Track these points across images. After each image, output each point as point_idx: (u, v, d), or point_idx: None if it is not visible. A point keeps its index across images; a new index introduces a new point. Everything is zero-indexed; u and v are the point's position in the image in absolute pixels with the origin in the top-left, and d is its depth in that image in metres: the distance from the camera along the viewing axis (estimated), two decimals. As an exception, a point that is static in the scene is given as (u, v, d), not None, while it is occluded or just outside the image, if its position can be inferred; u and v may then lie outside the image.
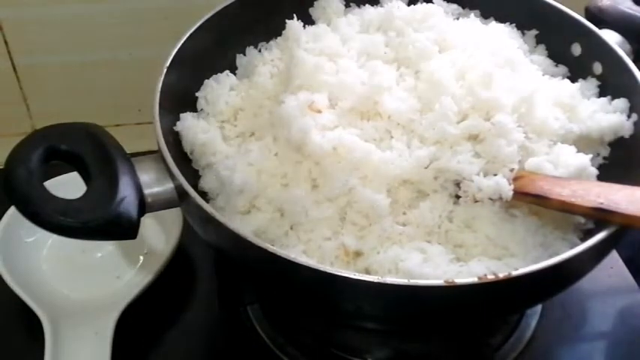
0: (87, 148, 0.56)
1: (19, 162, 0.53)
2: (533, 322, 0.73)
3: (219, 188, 0.62)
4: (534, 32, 0.74)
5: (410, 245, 0.57)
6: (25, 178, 0.53)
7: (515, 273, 0.50)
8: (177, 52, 0.65)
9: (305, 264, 0.50)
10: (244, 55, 0.74)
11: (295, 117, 0.60)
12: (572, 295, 0.74)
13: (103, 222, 0.53)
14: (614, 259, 0.78)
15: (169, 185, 0.57)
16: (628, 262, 0.77)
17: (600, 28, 0.69)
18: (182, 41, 0.66)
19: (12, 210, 0.77)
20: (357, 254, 0.58)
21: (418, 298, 0.51)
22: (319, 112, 0.61)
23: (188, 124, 0.65)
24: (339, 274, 0.50)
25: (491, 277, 0.49)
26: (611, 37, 0.69)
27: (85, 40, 0.86)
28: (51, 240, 0.78)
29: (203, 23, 0.69)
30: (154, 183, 0.56)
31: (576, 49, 0.71)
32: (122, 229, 0.54)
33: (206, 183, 0.63)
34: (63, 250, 0.78)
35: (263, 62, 0.71)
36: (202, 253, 0.78)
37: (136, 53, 0.87)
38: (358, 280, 0.49)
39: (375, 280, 0.50)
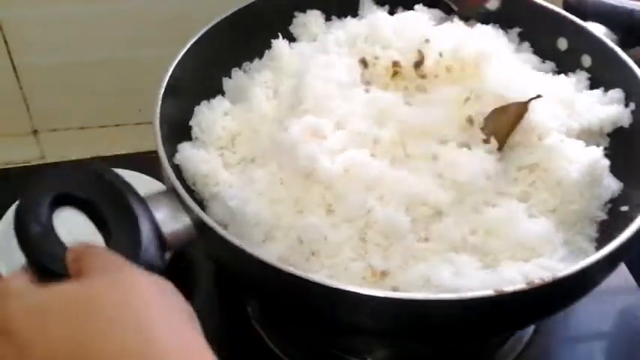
0: (99, 193, 0.52)
1: (30, 216, 0.49)
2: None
3: (229, 219, 0.60)
4: (517, 30, 0.73)
5: (436, 259, 0.56)
6: (41, 234, 0.49)
7: (561, 274, 0.49)
8: (168, 80, 0.63)
9: (361, 292, 0.49)
10: (230, 77, 0.71)
11: (300, 145, 0.58)
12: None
13: None
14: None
15: (185, 220, 0.54)
16: (628, 263, 0.77)
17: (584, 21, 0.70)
18: (171, 69, 0.64)
19: (12, 210, 0.76)
20: (384, 274, 0.56)
21: (467, 310, 0.50)
22: (324, 137, 0.60)
23: (187, 154, 0.63)
24: (400, 297, 0.50)
25: (538, 281, 0.48)
26: (596, 29, 0.69)
27: (86, 40, 0.86)
28: None
29: (188, 49, 0.66)
30: (169, 220, 0.54)
31: (562, 44, 0.71)
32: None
33: (214, 215, 0.60)
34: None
35: (254, 84, 0.69)
36: (202, 253, 0.78)
37: (136, 53, 0.87)
38: (413, 301, 0.49)
39: (430, 298, 0.49)
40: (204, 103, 0.68)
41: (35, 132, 0.92)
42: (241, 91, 0.69)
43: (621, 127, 0.65)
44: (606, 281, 0.74)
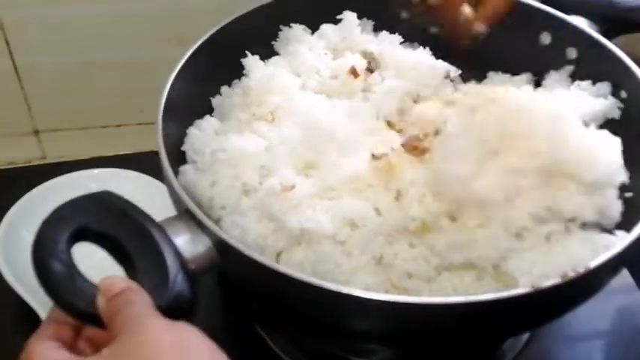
0: (116, 225, 0.49)
1: (50, 254, 0.47)
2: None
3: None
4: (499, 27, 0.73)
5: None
6: (65, 274, 0.47)
7: (594, 264, 0.50)
8: (165, 103, 0.61)
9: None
10: (219, 94, 0.70)
11: (281, 211, 0.57)
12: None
13: (162, 313, 0.46)
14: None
15: (205, 243, 0.52)
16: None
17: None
18: (166, 92, 0.62)
19: (14, 210, 0.77)
20: (405, 289, 0.56)
21: (507, 308, 0.50)
22: (292, 187, 0.58)
23: (190, 178, 0.62)
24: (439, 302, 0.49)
25: (572, 274, 0.49)
26: (579, 22, 0.69)
27: (87, 40, 0.86)
28: None
29: (179, 70, 0.64)
30: (189, 245, 0.51)
31: (546, 38, 0.71)
32: (183, 312, 0.48)
33: (229, 232, 0.58)
34: (64, 250, 0.77)
35: (232, 103, 0.68)
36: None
37: (138, 53, 0.87)
38: (459, 304, 0.48)
39: (471, 300, 0.48)
40: (195, 123, 0.66)
41: (36, 132, 0.92)
42: (225, 108, 0.69)
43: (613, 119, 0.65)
44: None
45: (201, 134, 0.65)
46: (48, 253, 0.47)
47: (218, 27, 0.68)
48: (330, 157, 0.60)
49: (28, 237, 0.74)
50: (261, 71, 0.68)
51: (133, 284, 0.46)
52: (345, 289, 0.48)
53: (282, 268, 0.50)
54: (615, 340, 0.74)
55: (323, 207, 0.57)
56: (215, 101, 0.69)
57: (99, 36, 0.86)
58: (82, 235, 0.49)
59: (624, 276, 0.77)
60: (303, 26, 0.73)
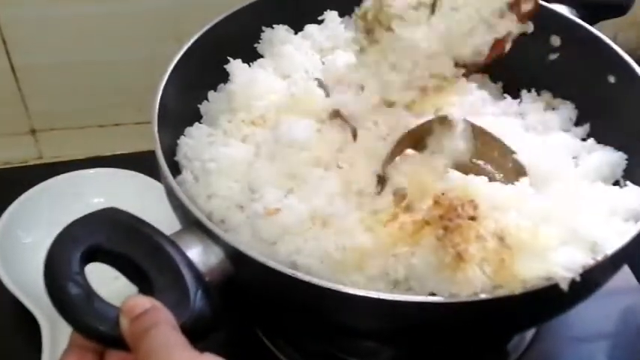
0: (129, 242, 0.48)
1: (65, 277, 0.45)
2: (535, 323, 0.72)
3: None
4: None
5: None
6: (83, 296, 0.45)
7: (610, 251, 0.50)
8: (158, 112, 0.61)
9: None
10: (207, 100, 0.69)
11: (269, 237, 0.55)
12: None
13: (185, 331, 0.45)
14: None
15: (218, 254, 0.51)
16: (631, 264, 0.76)
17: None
18: (158, 100, 0.61)
19: (10, 210, 0.77)
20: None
21: (503, 308, 0.50)
22: (277, 210, 0.56)
23: (188, 190, 0.60)
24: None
25: (592, 261, 0.49)
26: (561, 9, 0.70)
27: (84, 40, 0.85)
28: (49, 241, 0.75)
29: (168, 77, 0.63)
30: (202, 258, 0.50)
31: (529, 28, 0.70)
32: (206, 327, 0.47)
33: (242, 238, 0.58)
34: (61, 251, 0.77)
35: (217, 109, 0.67)
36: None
37: (135, 52, 0.87)
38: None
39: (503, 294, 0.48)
40: (186, 131, 0.65)
41: (33, 131, 0.92)
42: (213, 114, 0.68)
43: (606, 103, 0.66)
44: (609, 282, 0.75)
45: (192, 142, 0.64)
46: (62, 276, 0.45)
47: (204, 29, 0.68)
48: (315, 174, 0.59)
49: (25, 237, 0.77)
50: (245, 75, 0.67)
51: (157, 303, 0.45)
52: (368, 293, 0.48)
53: (300, 274, 0.49)
54: (619, 341, 0.73)
55: (312, 235, 0.55)
56: (202, 107, 0.68)
57: (96, 35, 0.85)
58: (93, 255, 0.47)
59: (628, 277, 0.77)
60: (286, 26, 0.72)
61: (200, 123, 0.67)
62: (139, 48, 0.87)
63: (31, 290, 0.71)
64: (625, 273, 0.77)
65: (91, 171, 0.83)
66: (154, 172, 0.64)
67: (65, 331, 0.66)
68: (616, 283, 0.74)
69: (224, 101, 0.67)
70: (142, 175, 0.81)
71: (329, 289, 0.48)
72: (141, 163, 0.79)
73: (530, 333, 0.72)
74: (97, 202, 0.81)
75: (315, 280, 0.48)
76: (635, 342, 0.73)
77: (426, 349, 0.63)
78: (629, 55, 0.65)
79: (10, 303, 0.71)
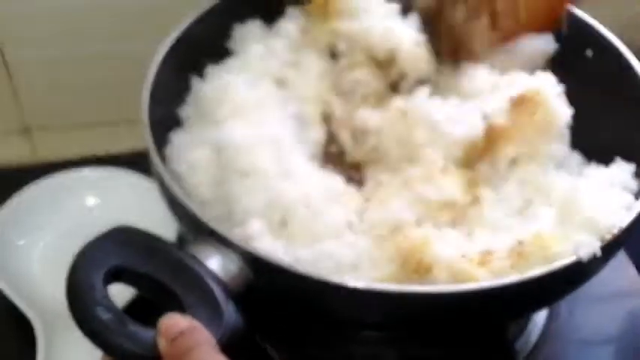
0: (149, 261, 0.47)
1: (93, 303, 0.44)
2: (539, 326, 0.72)
3: None
4: None
5: None
6: (116, 321, 0.44)
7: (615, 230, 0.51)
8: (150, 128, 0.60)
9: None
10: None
11: None
12: (580, 298, 0.74)
13: (221, 346, 0.44)
14: (623, 262, 0.77)
15: (237, 262, 0.50)
16: (638, 265, 0.77)
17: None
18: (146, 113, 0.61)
19: (3, 211, 0.77)
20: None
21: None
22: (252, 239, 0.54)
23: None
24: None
25: (609, 236, 0.51)
26: None
27: (78, 34, 0.85)
28: (43, 243, 0.78)
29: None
30: (222, 268, 0.49)
31: None
32: (241, 340, 0.46)
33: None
34: (56, 253, 0.76)
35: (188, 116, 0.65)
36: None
37: (132, 48, 0.86)
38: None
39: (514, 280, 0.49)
40: (172, 133, 0.63)
41: (27, 129, 0.92)
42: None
43: (585, 77, 0.66)
44: (614, 284, 0.75)
45: (175, 150, 0.62)
46: (89, 303, 0.44)
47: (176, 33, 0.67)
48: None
49: (18, 240, 0.76)
50: (215, 80, 0.65)
51: (196, 323, 0.44)
52: (387, 286, 0.49)
53: (326, 276, 0.49)
54: (625, 344, 0.73)
55: None
56: (182, 112, 0.66)
57: (92, 30, 0.84)
58: (113, 277, 0.46)
59: (634, 280, 0.77)
60: (258, 22, 0.70)
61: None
62: (136, 43, 0.85)
63: (26, 293, 0.71)
64: (631, 275, 0.77)
65: (86, 170, 0.83)
66: (149, 171, 0.63)
67: (60, 333, 0.68)
68: (622, 286, 0.76)
69: (191, 106, 0.66)
70: (137, 175, 0.81)
71: (356, 289, 0.48)
72: (136, 162, 0.79)
73: (535, 335, 0.71)
74: (92, 202, 0.81)
75: (345, 281, 0.48)
76: (640, 345, 0.73)
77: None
78: (636, 55, 0.65)
79: (4, 306, 0.70)
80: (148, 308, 0.46)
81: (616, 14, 0.74)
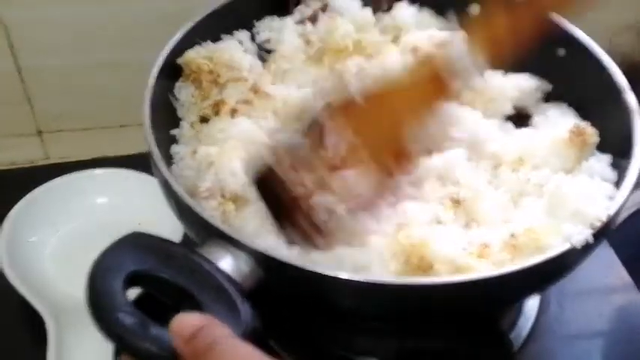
0: (164, 265, 0.47)
1: (115, 310, 0.44)
2: (530, 321, 0.73)
3: None
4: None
5: None
6: (139, 325, 0.43)
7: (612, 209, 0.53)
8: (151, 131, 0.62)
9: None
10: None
11: None
12: (569, 293, 0.75)
13: None
14: (611, 257, 0.78)
15: (248, 262, 0.50)
16: (625, 262, 0.78)
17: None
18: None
19: (16, 210, 0.77)
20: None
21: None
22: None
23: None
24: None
25: (598, 223, 0.53)
26: None
27: (91, 41, 0.86)
28: (54, 239, 0.79)
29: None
30: (235, 268, 0.49)
31: (475, 9, 0.69)
32: (257, 341, 0.44)
33: None
34: (66, 250, 0.78)
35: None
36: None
37: (141, 54, 0.87)
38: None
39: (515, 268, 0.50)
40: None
41: (40, 132, 0.93)
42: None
43: (564, 74, 0.67)
44: (603, 280, 0.76)
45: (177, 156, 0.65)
46: (112, 309, 0.44)
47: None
48: None
49: (30, 237, 0.77)
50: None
51: (210, 318, 0.43)
52: (404, 280, 0.50)
53: (336, 273, 0.49)
54: (614, 340, 0.74)
55: None
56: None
57: (103, 37, 0.86)
58: (131, 283, 0.46)
59: (623, 276, 0.77)
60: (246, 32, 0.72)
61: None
62: (145, 50, 0.86)
63: (38, 288, 0.72)
64: (619, 271, 0.77)
65: (96, 171, 0.84)
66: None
67: (71, 328, 0.69)
68: (611, 281, 0.76)
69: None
70: (146, 175, 0.81)
71: (367, 282, 0.49)
72: (145, 163, 0.78)
73: (526, 329, 0.72)
74: (102, 202, 0.82)
75: (357, 277, 0.49)
76: (629, 340, 0.73)
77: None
78: (624, 59, 0.65)
79: (17, 303, 0.71)
80: (153, 304, 0.47)
81: (603, 22, 0.74)
